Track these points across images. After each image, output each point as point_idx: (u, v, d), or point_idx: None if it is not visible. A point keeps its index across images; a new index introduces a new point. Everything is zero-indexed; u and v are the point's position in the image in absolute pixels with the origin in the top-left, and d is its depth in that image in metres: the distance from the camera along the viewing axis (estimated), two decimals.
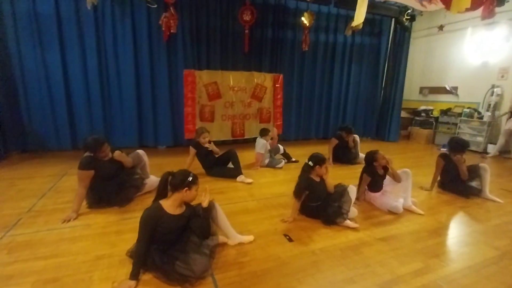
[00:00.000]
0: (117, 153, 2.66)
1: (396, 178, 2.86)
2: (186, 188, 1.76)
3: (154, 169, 3.83)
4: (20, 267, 1.77)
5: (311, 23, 5.43)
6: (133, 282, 1.63)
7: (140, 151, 3.04)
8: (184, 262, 1.67)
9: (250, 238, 2.17)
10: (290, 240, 2.22)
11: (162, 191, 1.80)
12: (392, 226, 2.53)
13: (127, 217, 2.48)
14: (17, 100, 4.26)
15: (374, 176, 2.90)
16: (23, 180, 3.31)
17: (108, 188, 2.60)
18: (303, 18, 5.37)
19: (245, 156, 4.35)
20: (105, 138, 2.66)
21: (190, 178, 1.78)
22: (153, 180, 2.99)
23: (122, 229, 2.26)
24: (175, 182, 1.77)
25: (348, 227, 2.43)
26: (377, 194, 2.95)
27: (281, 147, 4.53)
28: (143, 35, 4.67)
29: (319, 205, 2.53)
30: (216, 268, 1.83)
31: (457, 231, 2.54)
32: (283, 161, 4.36)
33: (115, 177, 2.66)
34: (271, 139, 4.24)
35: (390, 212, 2.78)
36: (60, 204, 2.65)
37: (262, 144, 4.10)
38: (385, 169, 2.89)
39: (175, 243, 1.77)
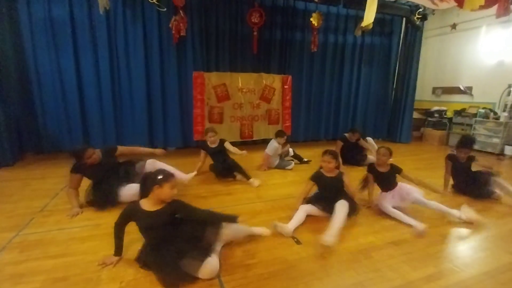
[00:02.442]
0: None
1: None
2: (156, 186, 1.76)
3: None
4: (31, 265, 1.81)
5: (320, 24, 5.40)
6: (115, 258, 1.86)
7: (150, 161, 2.96)
8: (188, 264, 1.68)
9: (266, 231, 2.21)
10: (298, 242, 2.19)
11: (143, 192, 1.83)
12: (404, 230, 2.46)
13: None
14: (32, 103, 4.39)
15: (376, 173, 2.81)
16: (37, 180, 3.40)
17: (103, 188, 2.69)
18: (312, 19, 5.33)
19: (253, 158, 4.34)
20: (88, 145, 2.75)
21: (160, 176, 1.78)
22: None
23: (130, 229, 2.23)
24: (147, 181, 1.80)
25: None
26: (389, 196, 2.83)
27: (290, 149, 4.49)
28: (154, 38, 4.75)
29: (329, 197, 2.51)
30: (223, 270, 1.82)
31: (472, 236, 2.44)
32: (293, 163, 4.32)
33: (108, 178, 2.71)
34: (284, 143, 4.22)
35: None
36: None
37: (273, 147, 4.08)
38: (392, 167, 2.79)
39: (169, 241, 1.77)
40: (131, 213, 1.81)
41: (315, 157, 4.96)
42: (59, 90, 4.46)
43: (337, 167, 2.57)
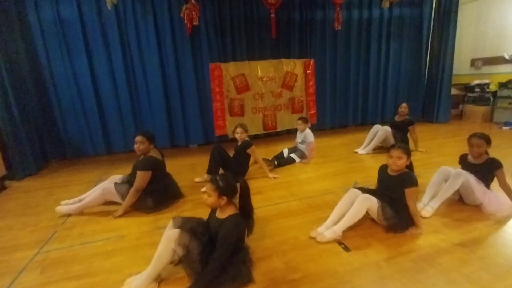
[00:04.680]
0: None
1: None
2: None
3: (186, 169, 3.70)
4: None
5: None
6: None
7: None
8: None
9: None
10: (346, 249, 1.87)
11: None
12: (471, 227, 2.07)
13: (161, 225, 2.29)
14: (51, 108, 4.32)
15: (465, 165, 2.39)
16: (61, 189, 3.30)
17: None
18: None
19: (278, 150, 4.02)
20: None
21: None
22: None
23: (156, 240, 2.06)
24: None
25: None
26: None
27: (308, 134, 3.81)
28: (166, 31, 4.49)
29: (382, 200, 2.06)
30: (263, 287, 1.56)
31: None
32: (296, 159, 3.79)
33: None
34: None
35: (463, 209, 2.30)
36: (94, 215, 2.53)
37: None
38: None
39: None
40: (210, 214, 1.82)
41: (344, 145, 4.58)
42: (76, 93, 4.36)
43: (408, 166, 2.04)
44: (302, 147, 3.87)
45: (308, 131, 3.84)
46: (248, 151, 3.14)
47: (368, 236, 2.01)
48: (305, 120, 3.89)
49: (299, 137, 3.93)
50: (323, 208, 2.46)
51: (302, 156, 3.83)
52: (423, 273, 1.62)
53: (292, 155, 3.80)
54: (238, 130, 3.16)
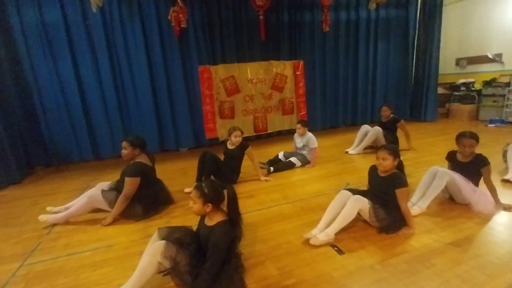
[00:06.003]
0: None
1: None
2: None
3: (177, 174, 3.64)
4: None
5: (331, 0, 4.92)
6: None
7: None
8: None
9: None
10: (340, 252, 1.85)
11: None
12: (462, 226, 2.09)
13: (151, 233, 2.22)
14: (35, 115, 4.19)
15: (454, 162, 2.39)
16: (46, 197, 3.19)
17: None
18: None
19: (270, 152, 4.01)
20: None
21: None
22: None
23: (145, 249, 2.01)
24: None
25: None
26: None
27: (310, 138, 3.65)
28: (154, 34, 4.43)
29: (374, 200, 2.06)
30: None
31: None
32: (297, 163, 3.65)
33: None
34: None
35: (454, 207, 2.32)
36: (81, 224, 2.44)
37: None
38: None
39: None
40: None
41: (336, 146, 4.60)
42: (61, 98, 4.23)
43: (397, 166, 2.06)
44: (303, 152, 3.71)
45: (310, 135, 3.63)
46: (246, 152, 3.10)
47: (361, 238, 2.00)
48: (304, 124, 3.66)
49: (299, 141, 3.72)
50: (316, 210, 2.45)
51: (304, 161, 3.67)
52: (418, 274, 1.62)
53: (292, 159, 3.64)
54: (237, 133, 3.08)
